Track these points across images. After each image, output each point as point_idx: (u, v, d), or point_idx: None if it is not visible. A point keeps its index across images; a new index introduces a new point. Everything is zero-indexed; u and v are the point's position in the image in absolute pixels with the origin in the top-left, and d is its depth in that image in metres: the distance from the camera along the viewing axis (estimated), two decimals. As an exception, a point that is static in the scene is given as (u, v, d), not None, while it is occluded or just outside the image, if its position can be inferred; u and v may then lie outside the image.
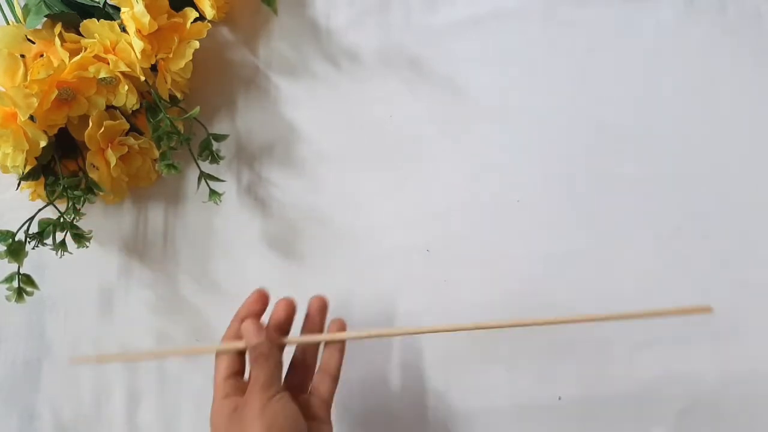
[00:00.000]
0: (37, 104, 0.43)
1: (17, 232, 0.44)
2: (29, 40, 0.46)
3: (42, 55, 0.46)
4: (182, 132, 0.48)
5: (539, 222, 0.49)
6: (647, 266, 0.48)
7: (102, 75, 0.44)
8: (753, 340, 0.47)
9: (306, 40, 0.53)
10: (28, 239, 0.44)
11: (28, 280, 0.44)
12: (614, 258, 0.48)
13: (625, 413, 0.47)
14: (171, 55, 0.47)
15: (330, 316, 0.42)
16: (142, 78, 0.46)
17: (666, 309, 0.39)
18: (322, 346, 0.42)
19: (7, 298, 0.43)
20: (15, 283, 0.44)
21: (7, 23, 0.48)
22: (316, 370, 0.41)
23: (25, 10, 0.47)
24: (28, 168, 0.46)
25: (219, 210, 0.51)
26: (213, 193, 0.48)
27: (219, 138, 0.49)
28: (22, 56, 0.45)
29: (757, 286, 0.47)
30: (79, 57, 0.44)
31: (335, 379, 0.41)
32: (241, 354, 0.40)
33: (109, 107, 0.47)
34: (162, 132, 0.47)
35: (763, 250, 0.48)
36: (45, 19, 0.46)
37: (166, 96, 0.48)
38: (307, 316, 0.42)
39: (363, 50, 0.53)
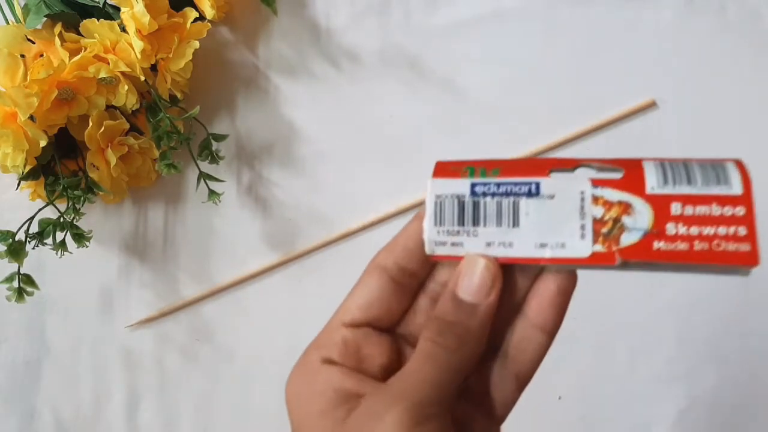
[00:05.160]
0: (37, 104, 0.42)
1: (17, 232, 0.44)
2: (29, 40, 0.46)
3: (42, 55, 0.46)
4: (182, 132, 0.48)
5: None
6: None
7: (102, 75, 0.44)
8: (753, 340, 0.47)
9: (306, 40, 0.53)
10: (28, 239, 0.44)
11: (28, 280, 0.44)
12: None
13: (625, 413, 0.47)
14: (171, 55, 0.46)
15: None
16: (142, 78, 0.46)
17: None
18: None
19: (8, 298, 0.43)
20: (15, 283, 0.44)
21: (7, 23, 0.48)
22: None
23: (25, 10, 0.47)
24: (28, 168, 0.46)
25: (219, 210, 0.51)
26: (212, 193, 0.48)
27: (219, 138, 0.49)
28: (22, 56, 0.45)
29: (757, 286, 0.47)
30: (79, 57, 0.44)
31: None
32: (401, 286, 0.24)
33: (109, 107, 0.47)
34: (162, 132, 0.47)
35: (762, 250, 0.48)
36: (45, 19, 0.46)
37: (166, 96, 0.48)
38: None
39: (363, 50, 0.53)
